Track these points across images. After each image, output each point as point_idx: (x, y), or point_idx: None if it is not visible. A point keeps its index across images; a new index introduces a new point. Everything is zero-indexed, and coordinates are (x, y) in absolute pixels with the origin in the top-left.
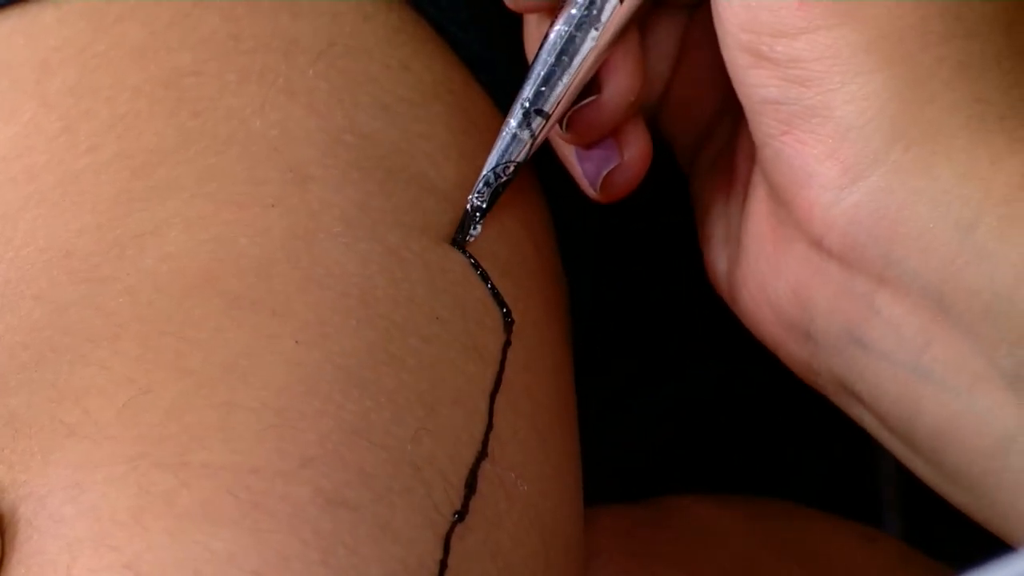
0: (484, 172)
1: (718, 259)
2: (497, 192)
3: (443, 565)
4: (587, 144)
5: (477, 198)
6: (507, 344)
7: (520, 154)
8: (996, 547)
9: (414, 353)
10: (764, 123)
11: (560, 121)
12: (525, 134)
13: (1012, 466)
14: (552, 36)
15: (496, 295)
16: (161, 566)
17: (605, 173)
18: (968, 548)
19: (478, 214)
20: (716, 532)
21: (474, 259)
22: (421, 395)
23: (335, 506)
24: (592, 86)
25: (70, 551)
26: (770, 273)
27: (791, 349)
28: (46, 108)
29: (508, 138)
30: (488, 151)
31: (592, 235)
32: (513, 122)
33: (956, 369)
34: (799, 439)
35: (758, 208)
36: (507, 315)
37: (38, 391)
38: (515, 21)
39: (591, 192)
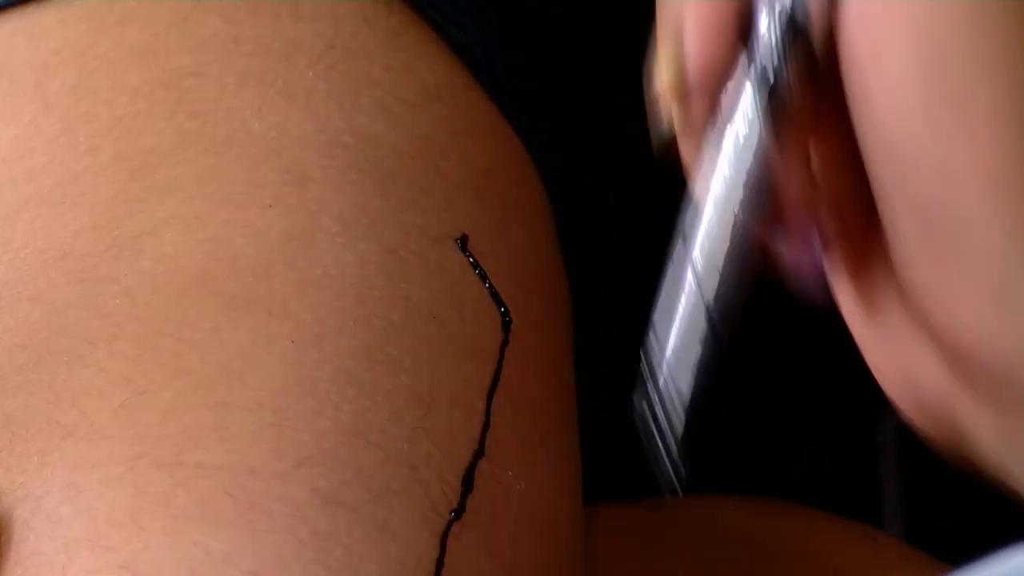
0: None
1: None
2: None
3: (440, 564)
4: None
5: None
6: (505, 343)
7: None
8: (995, 542)
9: (411, 353)
10: None
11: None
12: None
13: None
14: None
15: (494, 294)
16: (158, 566)
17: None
18: (968, 545)
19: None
20: (717, 532)
21: (473, 258)
22: (418, 395)
23: (332, 506)
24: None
25: (67, 551)
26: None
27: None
28: (46, 110)
29: None
30: (486, 152)
31: (594, 228)
32: None
33: None
34: (800, 435)
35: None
36: (505, 314)
37: (35, 392)
38: (517, 23)
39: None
